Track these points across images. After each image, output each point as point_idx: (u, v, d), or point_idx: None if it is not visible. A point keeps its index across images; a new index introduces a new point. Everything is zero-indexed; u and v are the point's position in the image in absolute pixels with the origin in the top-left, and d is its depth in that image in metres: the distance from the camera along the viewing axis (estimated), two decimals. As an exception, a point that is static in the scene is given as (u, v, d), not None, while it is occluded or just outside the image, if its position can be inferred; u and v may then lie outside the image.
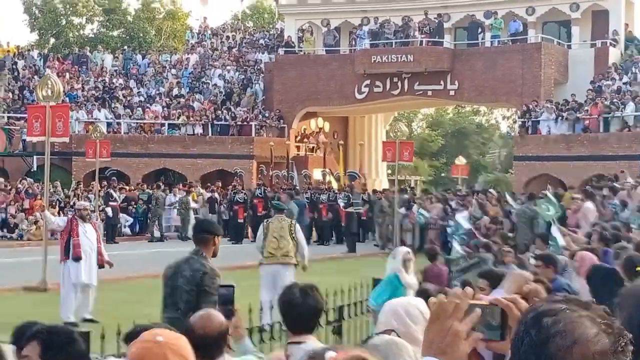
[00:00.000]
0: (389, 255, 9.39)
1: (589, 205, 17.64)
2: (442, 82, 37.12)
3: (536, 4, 37.74)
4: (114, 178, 33.35)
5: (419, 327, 3.63)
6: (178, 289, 7.14)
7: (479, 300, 2.33)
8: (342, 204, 30.14)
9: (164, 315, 7.28)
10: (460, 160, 39.92)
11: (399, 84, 37.88)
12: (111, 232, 29.16)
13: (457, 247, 16.48)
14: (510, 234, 18.75)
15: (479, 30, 37.73)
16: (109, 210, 29.48)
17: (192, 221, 31.88)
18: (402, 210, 29.45)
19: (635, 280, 5.18)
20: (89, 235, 14.14)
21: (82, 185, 33.30)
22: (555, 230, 14.57)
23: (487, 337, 2.24)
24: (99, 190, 30.46)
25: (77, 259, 13.79)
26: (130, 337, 4.89)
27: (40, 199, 27.84)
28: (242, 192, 31.76)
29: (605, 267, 8.18)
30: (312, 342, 4.28)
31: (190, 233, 30.64)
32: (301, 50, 41.43)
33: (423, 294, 5.56)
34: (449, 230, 23.97)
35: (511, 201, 24.27)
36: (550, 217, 16.76)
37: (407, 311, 3.69)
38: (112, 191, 30.84)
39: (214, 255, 7.41)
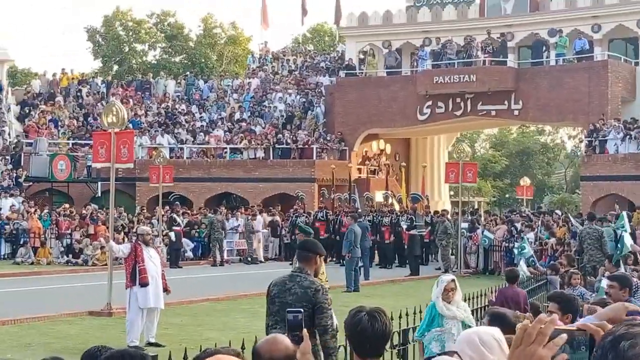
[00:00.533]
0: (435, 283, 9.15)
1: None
2: (506, 102, 36.84)
3: (602, 22, 37.30)
4: (177, 203, 33.70)
5: (495, 357, 3.58)
6: (287, 305, 6.95)
7: (566, 325, 2.32)
8: (404, 226, 30.00)
9: (275, 329, 7.06)
10: (525, 181, 39.56)
11: (462, 104, 37.71)
12: (174, 257, 29.43)
13: (524, 268, 16.26)
14: (577, 256, 18.48)
15: (544, 48, 37.43)
16: (172, 234, 29.77)
17: (255, 245, 32.15)
18: (466, 232, 29.24)
19: None
20: (154, 259, 14.33)
21: (145, 210, 33.71)
22: (627, 237, 14.39)
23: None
24: (162, 215, 30.83)
25: (145, 284, 13.96)
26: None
27: (105, 224, 28.26)
28: (303, 215, 31.84)
29: (565, 295, 7.95)
30: None
31: (253, 256, 30.93)
32: (362, 72, 41.54)
33: (497, 318, 5.46)
34: (515, 251, 23.68)
35: (575, 222, 23.92)
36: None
37: (482, 339, 3.65)
38: (175, 216, 31.15)
39: (315, 274, 7.69)
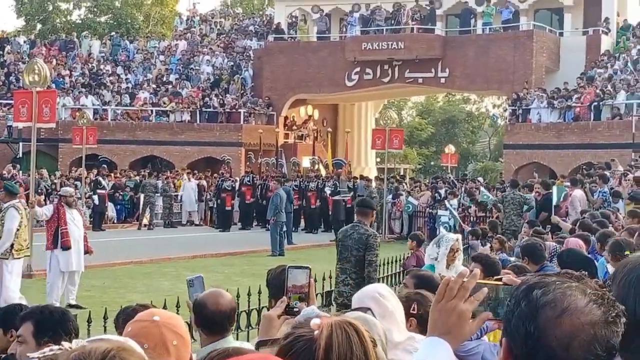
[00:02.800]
0: (432, 242, 8.11)
1: (577, 193, 17.67)
2: (433, 70, 37.12)
3: (528, -9, 37.76)
4: (104, 166, 33.23)
5: (389, 303, 3.88)
6: (348, 248, 9.66)
7: (492, 281, 2.34)
8: (328, 192, 30.13)
9: (338, 265, 9.84)
10: (450, 149, 40.07)
11: (390, 71, 37.87)
12: (98, 220, 29.06)
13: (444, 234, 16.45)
14: (498, 222, 18.82)
15: (471, 17, 37.74)
16: (96, 197, 29.39)
17: (176, 209, 31.96)
18: (390, 198, 29.51)
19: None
20: (76, 222, 14.13)
21: (68, 172, 33.22)
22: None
23: (499, 317, 2.25)
24: (86, 177, 30.40)
25: (67, 248, 13.78)
26: (119, 317, 4.92)
27: (26, 186, 27.70)
28: (229, 180, 31.71)
29: (581, 252, 8.10)
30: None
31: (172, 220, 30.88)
32: (291, 37, 41.35)
33: (424, 280, 5.60)
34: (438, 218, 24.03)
35: (483, 193, 24.36)
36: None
37: (381, 294, 3.91)
38: (101, 179, 30.72)
39: (370, 225, 10.15)
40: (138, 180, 32.25)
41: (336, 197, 29.39)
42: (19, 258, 12.77)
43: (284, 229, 23.66)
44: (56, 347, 1.49)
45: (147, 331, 2.99)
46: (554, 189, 17.30)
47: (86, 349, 1.50)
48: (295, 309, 3.30)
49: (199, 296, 4.21)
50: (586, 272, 2.03)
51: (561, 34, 37.57)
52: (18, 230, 12.49)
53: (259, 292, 8.54)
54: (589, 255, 8.33)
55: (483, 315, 2.25)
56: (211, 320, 4.06)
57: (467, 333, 2.23)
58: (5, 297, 12.18)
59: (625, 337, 2.00)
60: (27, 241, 12.85)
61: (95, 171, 31.57)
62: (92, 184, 30.16)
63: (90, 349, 1.50)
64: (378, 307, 3.73)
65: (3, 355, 5.10)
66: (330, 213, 29.86)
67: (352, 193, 31.63)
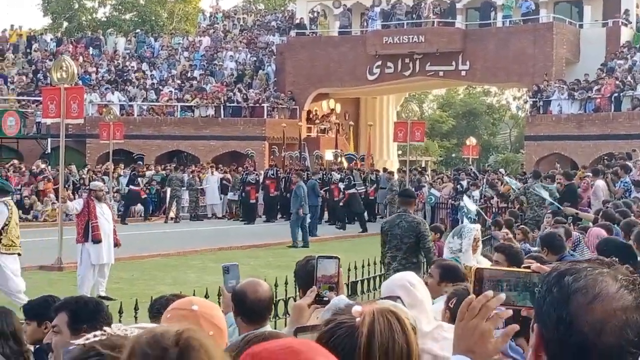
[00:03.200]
0: (451, 234, 7.73)
1: (599, 183, 17.58)
2: (453, 63, 37.01)
3: (547, -16, 37.55)
4: (140, 162, 33.25)
5: (419, 292, 3.89)
6: (397, 236, 10.06)
7: (521, 268, 2.35)
8: (342, 186, 30.04)
9: (387, 253, 10.22)
10: (471, 141, 39.82)
11: (411, 64, 37.80)
12: (125, 214, 29.29)
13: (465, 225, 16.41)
14: (520, 213, 18.74)
15: (491, 10, 37.57)
16: (168, 191, 30.04)
17: (203, 202, 32.05)
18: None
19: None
20: (106, 216, 14.23)
21: (96, 167, 33.45)
22: (466, 199, 14.68)
23: (525, 304, 2.26)
24: (113, 171, 30.61)
25: (98, 241, 13.88)
26: (154, 306, 4.95)
27: (55, 181, 27.89)
28: (254, 173, 31.76)
29: (618, 240, 8.06)
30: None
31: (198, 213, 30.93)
32: (313, 32, 41.36)
33: (450, 270, 5.63)
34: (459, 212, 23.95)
35: (510, 181, 24.19)
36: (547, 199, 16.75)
37: (411, 282, 3.92)
38: (137, 174, 30.86)
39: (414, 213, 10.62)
40: (165, 175, 32.38)
41: (352, 191, 29.35)
42: (10, 254, 12.32)
43: (308, 221, 23.65)
44: (99, 332, 1.46)
45: (184, 320, 2.97)
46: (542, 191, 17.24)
47: (157, 332, 1.45)
48: (325, 298, 3.32)
49: (238, 286, 4.22)
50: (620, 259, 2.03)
51: (581, 26, 37.33)
52: (7, 226, 12.07)
53: (286, 283, 8.57)
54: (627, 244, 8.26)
55: (509, 329, 2.25)
56: (250, 309, 4.06)
57: (492, 351, 2.24)
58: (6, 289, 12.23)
59: None
60: (19, 238, 12.43)
61: (133, 167, 31.77)
62: (129, 179, 30.47)
63: (161, 332, 1.45)
64: (407, 296, 3.71)
65: (37, 346, 5.15)
66: (347, 207, 29.78)
67: (374, 185, 31.71)
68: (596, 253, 7.75)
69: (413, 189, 14.58)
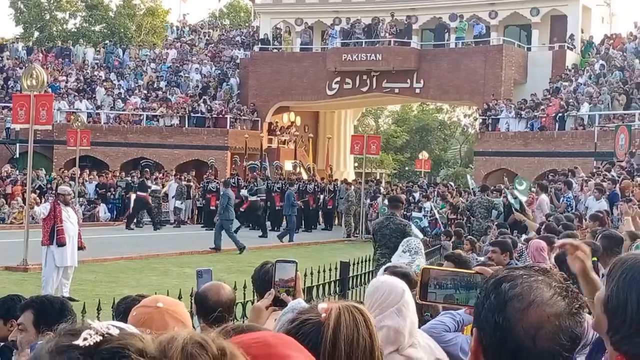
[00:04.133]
0: (400, 250, 7.71)
1: (544, 197, 17.78)
2: (408, 81, 37.22)
3: (498, 8, 37.97)
4: (147, 169, 32.71)
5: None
6: (386, 236, 11.12)
7: (465, 270, 2.40)
8: (246, 193, 29.97)
9: (377, 251, 11.30)
10: (423, 155, 40.09)
11: (368, 81, 37.93)
12: (130, 219, 29.10)
13: (417, 234, 16.51)
14: (468, 224, 18.93)
15: (445, 31, 37.88)
16: (133, 196, 29.56)
17: (164, 209, 31.73)
18: (368, 200, 29.56)
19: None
20: (71, 219, 14.11)
21: (63, 172, 33.03)
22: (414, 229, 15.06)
23: (468, 303, 2.30)
24: (79, 177, 30.33)
25: (62, 244, 13.76)
26: (120, 306, 4.91)
27: (22, 185, 27.53)
28: (214, 182, 31.62)
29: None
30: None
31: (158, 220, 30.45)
32: (276, 48, 41.35)
33: (402, 275, 5.63)
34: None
35: (473, 185, 24.40)
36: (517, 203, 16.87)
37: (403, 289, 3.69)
38: (145, 180, 30.21)
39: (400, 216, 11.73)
40: (129, 181, 32.12)
41: (253, 198, 29.41)
42: None
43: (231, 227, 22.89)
44: (92, 331, 1.39)
45: (151, 317, 2.99)
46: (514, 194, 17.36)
47: (167, 339, 1.38)
48: (283, 301, 3.31)
49: (201, 288, 4.21)
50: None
51: (529, 49, 37.77)
52: None
53: (244, 287, 8.55)
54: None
55: None
56: (212, 310, 4.02)
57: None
58: None
59: (626, 330, 2.03)
60: None
61: (139, 173, 31.33)
62: (138, 185, 29.91)
63: (169, 339, 1.38)
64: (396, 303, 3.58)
65: (2, 344, 5.09)
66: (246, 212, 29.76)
67: (332, 195, 31.80)
68: (545, 262, 7.83)
69: (374, 196, 15.09)
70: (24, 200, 24.00)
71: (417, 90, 37.58)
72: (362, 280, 11.97)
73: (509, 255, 8.43)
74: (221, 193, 23.91)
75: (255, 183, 30.80)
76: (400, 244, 9.66)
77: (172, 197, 31.65)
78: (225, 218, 22.21)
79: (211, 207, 30.55)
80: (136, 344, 1.36)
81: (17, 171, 31.07)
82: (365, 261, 12.60)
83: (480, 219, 18.34)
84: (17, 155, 34.53)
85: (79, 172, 30.66)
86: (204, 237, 26.35)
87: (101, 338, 1.34)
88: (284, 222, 29.41)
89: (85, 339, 1.32)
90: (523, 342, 1.84)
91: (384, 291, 3.55)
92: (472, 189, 23.68)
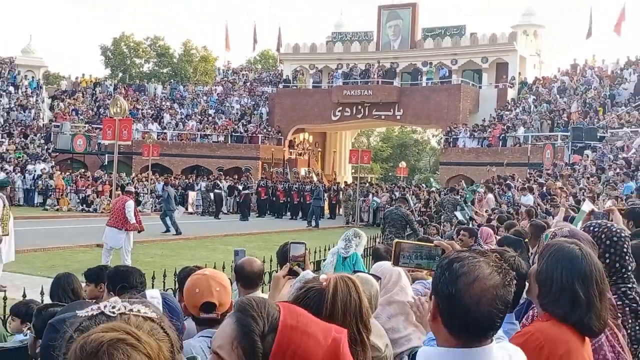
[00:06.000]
0: (342, 238, 7.23)
1: (490, 196, 17.73)
2: (391, 110, 37.14)
3: (458, 57, 37.86)
4: (221, 172, 32.33)
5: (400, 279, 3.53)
6: (394, 219, 12.02)
7: (423, 242, 2.42)
8: (241, 187, 29.88)
9: (386, 229, 12.09)
10: (402, 164, 40.03)
11: (362, 110, 37.88)
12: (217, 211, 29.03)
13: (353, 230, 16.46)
14: (435, 215, 18.84)
15: (419, 74, 37.80)
16: (212, 194, 29.52)
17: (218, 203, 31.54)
18: (362, 197, 29.53)
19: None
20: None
21: (139, 175, 33.10)
22: (458, 213, 14.90)
23: (430, 267, 2.32)
24: (152, 179, 30.39)
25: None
26: (181, 274, 4.86)
27: (109, 184, 27.60)
28: (250, 182, 31.38)
29: (512, 237, 8.09)
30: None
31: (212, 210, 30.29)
32: (295, 85, 41.36)
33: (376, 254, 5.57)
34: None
35: (436, 186, 24.27)
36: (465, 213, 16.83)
37: (399, 271, 3.54)
38: (218, 181, 30.20)
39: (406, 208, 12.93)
40: (186, 182, 32.15)
41: (246, 191, 29.31)
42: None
43: (177, 215, 21.54)
44: (96, 306, 1.27)
45: (199, 280, 3.02)
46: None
47: (88, 339, 1.19)
48: (295, 272, 3.30)
49: (239, 261, 4.20)
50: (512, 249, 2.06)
51: (480, 87, 37.66)
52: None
53: (270, 260, 8.56)
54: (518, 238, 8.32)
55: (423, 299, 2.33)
56: (247, 277, 3.96)
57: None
58: None
59: (552, 296, 2.03)
60: (6, 226, 10.75)
61: (242, 176, 31.20)
62: (212, 185, 29.76)
63: (90, 339, 1.19)
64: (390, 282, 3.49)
65: (94, 300, 5.09)
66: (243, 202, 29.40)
67: (336, 193, 31.74)
68: (492, 244, 7.81)
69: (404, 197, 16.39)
70: (110, 195, 24.07)
71: (398, 117, 37.52)
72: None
73: (474, 239, 8.33)
74: (162, 190, 23.19)
75: (248, 181, 30.57)
76: (403, 225, 11.92)
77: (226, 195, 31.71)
78: (168, 209, 20.99)
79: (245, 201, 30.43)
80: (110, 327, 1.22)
81: (106, 174, 31.16)
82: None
83: (448, 212, 18.25)
84: (106, 163, 34.60)
85: (151, 175, 30.73)
86: (241, 224, 26.40)
87: (98, 312, 1.27)
88: (299, 213, 29.38)
89: (87, 311, 1.27)
90: (470, 307, 1.85)
91: (387, 274, 3.47)
92: (437, 188, 23.47)
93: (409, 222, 12.31)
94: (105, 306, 1.29)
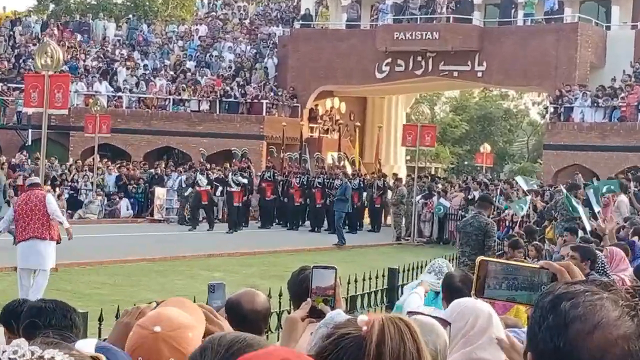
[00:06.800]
0: (428, 269, 7.66)
1: (623, 198, 17.62)
2: (469, 63, 37.00)
3: (573, -19, 37.57)
4: (201, 160, 32.88)
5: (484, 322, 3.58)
6: (468, 234, 12.50)
7: (529, 263, 2.40)
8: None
9: (459, 250, 12.92)
10: (485, 148, 39.87)
11: (423, 63, 37.78)
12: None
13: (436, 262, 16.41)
14: (537, 228, 18.72)
15: (512, 7, 37.55)
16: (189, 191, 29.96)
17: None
18: (421, 199, 29.48)
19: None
20: None
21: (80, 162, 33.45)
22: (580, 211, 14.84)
23: (532, 302, 2.28)
24: (98, 168, 30.65)
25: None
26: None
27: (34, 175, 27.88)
28: (246, 172, 31.43)
29: None
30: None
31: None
32: (318, 25, 41.37)
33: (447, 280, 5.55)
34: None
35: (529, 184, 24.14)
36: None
37: (481, 310, 3.61)
38: (200, 175, 30.57)
39: (488, 216, 13.12)
40: (153, 173, 32.40)
41: (233, 188, 29.38)
42: None
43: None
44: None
45: (144, 343, 2.92)
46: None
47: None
48: (320, 312, 3.28)
49: (234, 295, 4.22)
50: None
51: (608, 28, 37.29)
52: None
53: (280, 295, 8.62)
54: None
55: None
56: (245, 319, 4.00)
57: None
58: None
59: None
60: None
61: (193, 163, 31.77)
62: (190, 180, 30.18)
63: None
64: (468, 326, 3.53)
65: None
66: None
67: (381, 192, 31.72)
68: (625, 275, 7.76)
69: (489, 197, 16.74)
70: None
71: (479, 74, 37.33)
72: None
73: (589, 263, 8.13)
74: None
75: (243, 172, 30.80)
76: (481, 241, 12.36)
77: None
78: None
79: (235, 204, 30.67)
80: None
81: (29, 160, 31.49)
82: (418, 268, 12.62)
83: (562, 222, 17.81)
84: (29, 143, 34.99)
85: (98, 162, 31.04)
86: (236, 238, 26.51)
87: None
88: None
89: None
90: (587, 370, 1.84)
91: (469, 316, 3.50)
92: (538, 185, 23.31)
93: (487, 237, 12.49)
94: (3, 352, 1.33)
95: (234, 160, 32.76)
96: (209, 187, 29.34)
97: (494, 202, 14.60)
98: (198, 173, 30.21)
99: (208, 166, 32.17)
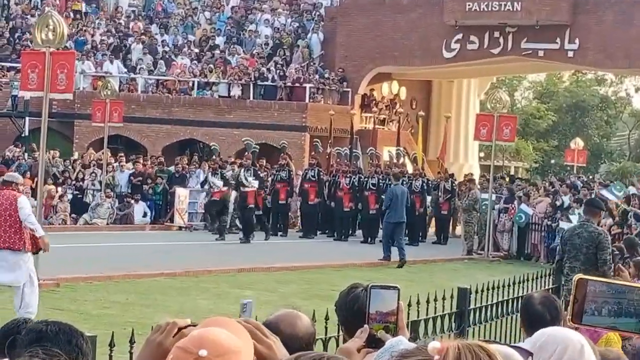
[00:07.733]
0: None
1: None
2: (558, 40, 36.79)
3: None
4: (214, 157, 33.00)
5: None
6: (576, 246, 12.55)
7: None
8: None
9: (566, 264, 12.72)
10: (577, 144, 39.60)
11: (501, 40, 37.65)
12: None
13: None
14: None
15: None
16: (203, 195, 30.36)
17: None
18: (498, 204, 29.38)
19: None
20: None
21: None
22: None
23: (637, 330, 2.26)
24: (107, 164, 30.85)
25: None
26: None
27: (31, 173, 28.16)
28: (285, 171, 31.49)
29: None
30: None
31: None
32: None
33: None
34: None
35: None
36: None
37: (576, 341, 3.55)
38: (210, 175, 30.88)
39: (597, 224, 13.33)
40: (173, 171, 32.55)
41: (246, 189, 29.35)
42: None
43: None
44: None
45: None
46: None
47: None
48: (379, 340, 3.28)
49: (272, 316, 4.24)
50: None
51: None
52: None
53: (326, 318, 8.60)
54: None
55: None
56: (284, 346, 4.03)
57: None
58: None
59: None
60: None
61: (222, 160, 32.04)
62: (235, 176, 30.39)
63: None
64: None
65: None
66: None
67: (449, 196, 31.63)
68: None
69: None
70: (34, 192, 24.52)
71: (570, 54, 37.12)
72: (489, 313, 11.87)
73: None
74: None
75: (281, 169, 30.94)
76: (592, 254, 12.51)
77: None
78: None
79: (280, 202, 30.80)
80: None
81: (26, 154, 31.79)
82: (493, 288, 12.49)
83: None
84: (27, 133, 35.32)
85: (107, 157, 31.25)
86: (271, 249, 26.55)
87: None
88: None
89: None
90: None
91: (555, 347, 3.47)
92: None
93: (600, 249, 12.55)
94: None
95: (246, 153, 32.24)
96: (225, 188, 29.40)
97: (604, 208, 15.05)
98: (209, 174, 30.39)
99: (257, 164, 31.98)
